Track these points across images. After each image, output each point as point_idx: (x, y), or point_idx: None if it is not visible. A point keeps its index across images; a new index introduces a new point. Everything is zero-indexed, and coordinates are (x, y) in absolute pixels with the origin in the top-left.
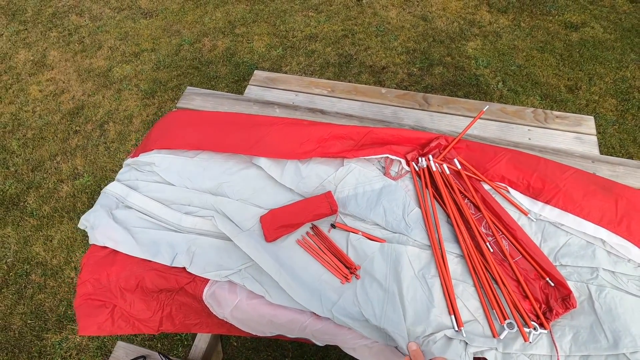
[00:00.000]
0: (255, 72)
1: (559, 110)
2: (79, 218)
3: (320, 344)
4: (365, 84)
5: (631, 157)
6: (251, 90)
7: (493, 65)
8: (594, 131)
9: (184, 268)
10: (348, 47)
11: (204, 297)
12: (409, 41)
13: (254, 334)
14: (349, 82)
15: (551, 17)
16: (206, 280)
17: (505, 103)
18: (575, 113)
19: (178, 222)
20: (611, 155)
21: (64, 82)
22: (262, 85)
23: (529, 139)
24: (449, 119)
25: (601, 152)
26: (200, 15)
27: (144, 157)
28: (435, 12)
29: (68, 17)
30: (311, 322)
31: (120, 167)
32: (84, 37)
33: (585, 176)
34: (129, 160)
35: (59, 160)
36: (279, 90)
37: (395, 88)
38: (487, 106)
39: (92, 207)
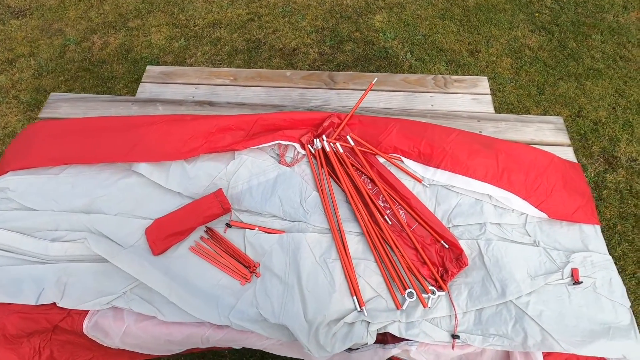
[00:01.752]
0: (148, 67)
1: (462, 74)
2: None
3: (238, 347)
4: (277, 68)
5: (528, 111)
6: (145, 89)
7: (400, 37)
8: (488, 91)
9: (54, 303)
10: (255, 31)
11: (85, 331)
12: (317, 20)
13: (161, 354)
14: (260, 67)
15: None
16: (85, 312)
17: (414, 73)
18: (477, 75)
19: (44, 252)
20: (511, 111)
21: None
22: (157, 81)
23: (432, 105)
24: (357, 95)
25: (502, 109)
26: (84, 10)
27: None
28: None
29: None
30: (211, 332)
31: None
32: None
33: (469, 136)
34: None
35: None
36: (177, 85)
37: (307, 69)
38: (376, 78)
39: None
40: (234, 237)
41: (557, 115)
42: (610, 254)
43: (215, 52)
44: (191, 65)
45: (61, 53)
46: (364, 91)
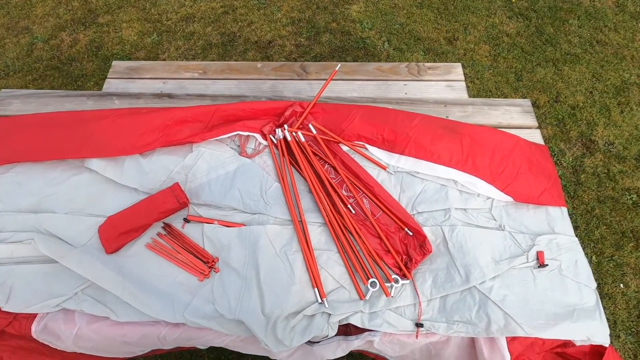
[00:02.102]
0: (114, 63)
1: (440, 62)
2: None
3: (204, 347)
4: (253, 61)
5: (506, 97)
6: (111, 85)
7: (377, 26)
8: (462, 77)
9: None
10: (230, 24)
11: (34, 335)
12: (292, 11)
13: (122, 356)
14: (235, 60)
15: None
16: (33, 316)
17: (392, 62)
18: (455, 62)
19: None
20: (489, 98)
21: None
22: (123, 77)
23: (406, 93)
24: (329, 86)
25: (480, 96)
26: (52, 7)
27: None
28: None
29: None
30: (167, 331)
31: None
32: None
33: (433, 121)
34: None
35: None
36: (144, 80)
37: (284, 61)
38: (340, 65)
39: None
40: (192, 232)
41: (535, 101)
42: (588, 237)
43: (189, 47)
44: (164, 60)
45: (28, 52)
46: (335, 81)
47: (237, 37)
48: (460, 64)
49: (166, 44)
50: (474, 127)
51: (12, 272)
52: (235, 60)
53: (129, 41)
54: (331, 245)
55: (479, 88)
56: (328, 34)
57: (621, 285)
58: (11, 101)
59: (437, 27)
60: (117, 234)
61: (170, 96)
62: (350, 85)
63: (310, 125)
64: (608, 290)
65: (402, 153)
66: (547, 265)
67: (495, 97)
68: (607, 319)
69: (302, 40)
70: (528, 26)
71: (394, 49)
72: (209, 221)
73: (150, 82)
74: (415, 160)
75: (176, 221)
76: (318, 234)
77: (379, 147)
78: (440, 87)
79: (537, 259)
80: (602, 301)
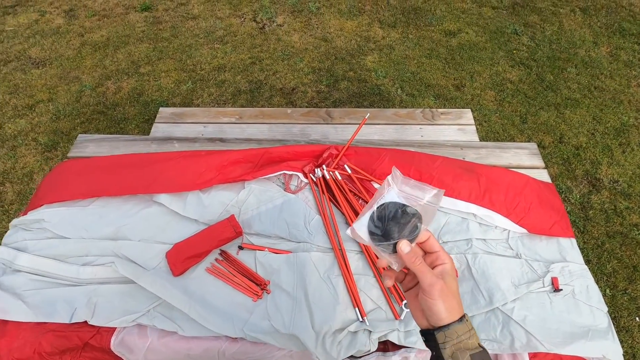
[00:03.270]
0: (161, 109)
1: (450, 107)
2: None
3: None
4: (278, 106)
5: (513, 139)
6: (158, 129)
7: (391, 75)
8: (472, 122)
9: (86, 322)
10: (257, 73)
11: (112, 347)
12: (313, 61)
13: None
14: (262, 106)
15: (433, 28)
16: (112, 330)
17: (405, 107)
18: (463, 107)
19: (76, 275)
20: (497, 139)
21: None
22: (169, 122)
23: (422, 136)
24: (352, 129)
25: (487, 138)
26: (100, 59)
27: (31, 215)
28: (333, 32)
29: None
30: (227, 345)
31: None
32: None
33: (452, 162)
34: (15, 221)
35: None
36: (187, 125)
37: (306, 106)
38: (369, 114)
39: None
40: (245, 258)
41: (540, 142)
42: (601, 271)
43: (220, 93)
44: (198, 105)
45: (77, 98)
46: (358, 125)
47: (264, 84)
48: (469, 109)
49: (200, 90)
50: (488, 167)
51: (96, 291)
52: (262, 105)
53: (166, 88)
54: (368, 270)
55: (487, 130)
56: (346, 82)
57: (637, 318)
58: (87, 144)
59: (445, 75)
60: (182, 258)
61: (222, 140)
62: (371, 129)
63: (345, 166)
64: (624, 323)
65: None
66: (561, 289)
67: (503, 138)
68: (626, 353)
69: (323, 87)
70: (529, 74)
71: (406, 95)
72: (261, 248)
73: (193, 126)
74: None
75: (231, 249)
76: (356, 261)
77: None
78: (453, 131)
79: (552, 284)
80: (618, 335)
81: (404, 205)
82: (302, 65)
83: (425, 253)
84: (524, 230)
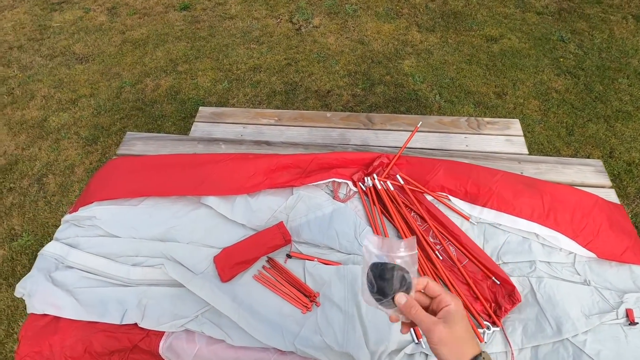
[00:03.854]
0: (200, 108)
1: (491, 116)
2: None
3: None
4: (312, 108)
5: (558, 151)
6: (198, 127)
7: (429, 80)
8: (520, 132)
9: (136, 324)
10: (292, 74)
11: (160, 352)
12: (349, 64)
13: None
14: (297, 108)
15: (473, 33)
16: (161, 333)
17: (443, 113)
18: (505, 116)
19: (126, 275)
20: (541, 151)
21: None
22: (208, 121)
23: (467, 145)
24: (393, 135)
25: (531, 150)
26: (139, 56)
27: (83, 212)
28: (370, 35)
29: None
30: (276, 358)
31: None
32: (13, 88)
33: (513, 177)
34: (67, 217)
35: None
36: (226, 125)
37: (341, 110)
38: (421, 122)
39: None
40: (293, 267)
41: (588, 155)
42: None
43: (255, 94)
44: (234, 105)
45: (117, 94)
46: (399, 131)
47: (299, 86)
48: (517, 120)
49: (235, 90)
50: (553, 184)
51: (147, 292)
52: (297, 107)
53: (203, 87)
54: None
55: (530, 141)
56: (382, 86)
57: None
58: (135, 142)
59: (486, 82)
60: (231, 264)
61: (268, 143)
62: (414, 136)
63: (398, 176)
64: None
65: (484, 205)
66: (637, 323)
67: (548, 151)
68: None
69: (358, 90)
70: (577, 83)
71: (445, 101)
72: (310, 258)
73: (232, 127)
74: (497, 213)
75: (279, 256)
76: None
77: (461, 199)
78: (500, 142)
79: (627, 316)
80: None
81: (383, 263)
82: (338, 68)
83: (432, 298)
84: (592, 255)
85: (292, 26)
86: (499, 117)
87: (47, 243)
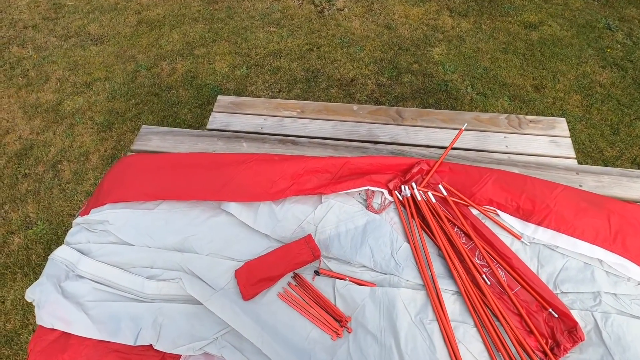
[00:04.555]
0: (219, 97)
1: (527, 110)
2: (35, 272)
3: None
4: (335, 98)
5: (601, 152)
6: (216, 118)
7: (460, 70)
8: (567, 133)
9: (151, 345)
10: (314, 61)
11: None
12: (375, 51)
13: None
14: (318, 97)
15: (510, 18)
16: (178, 356)
17: (475, 107)
18: (543, 112)
19: (140, 289)
20: (582, 151)
21: (7, 121)
22: (226, 111)
23: (506, 146)
24: (425, 132)
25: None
26: (155, 38)
27: (95, 215)
28: (398, 19)
29: (8, 49)
30: None
31: (79, 209)
32: (28, 70)
33: (575, 193)
34: (79, 219)
35: (7, 209)
36: (245, 116)
37: (365, 100)
38: (466, 124)
39: (46, 262)
40: (322, 285)
41: (635, 158)
42: None
43: (275, 81)
44: (252, 92)
45: (133, 78)
46: (431, 128)
47: (321, 73)
48: (564, 119)
49: (254, 77)
50: (622, 203)
51: (162, 310)
52: (319, 96)
53: (220, 72)
54: (466, 318)
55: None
56: (410, 75)
57: None
58: (151, 137)
59: (523, 73)
60: (254, 281)
61: (294, 142)
62: (447, 134)
63: (440, 186)
64: None
65: (539, 224)
66: None
67: (589, 151)
68: None
69: (384, 80)
70: (624, 77)
71: (477, 94)
72: (341, 277)
73: (252, 118)
74: (555, 233)
75: (305, 272)
76: (451, 303)
77: (512, 215)
78: (544, 143)
79: None
80: None
81: None
82: (363, 55)
83: None
84: None
85: (315, 8)
86: (536, 112)
87: (61, 232)
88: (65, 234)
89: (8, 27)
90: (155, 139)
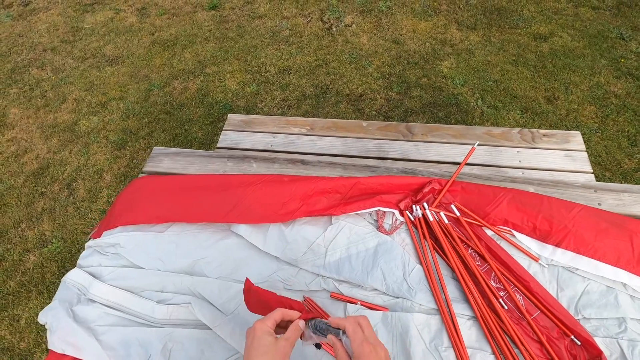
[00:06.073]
0: (229, 115)
1: (540, 122)
2: (49, 290)
3: None
4: (344, 113)
5: (619, 164)
6: (226, 137)
7: (470, 83)
8: (583, 147)
9: None
10: (323, 77)
11: None
12: (383, 66)
13: None
14: (327, 113)
15: (519, 30)
16: None
17: (486, 120)
18: (556, 124)
19: (150, 314)
20: (598, 164)
21: (26, 141)
22: (237, 129)
23: (520, 161)
24: (435, 148)
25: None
26: (168, 58)
27: (107, 238)
28: (406, 34)
29: (28, 71)
30: None
31: (92, 227)
32: (46, 91)
33: (594, 213)
34: (91, 242)
35: (23, 227)
36: (255, 134)
37: (375, 115)
38: (477, 142)
39: (61, 279)
40: (333, 310)
41: None
42: None
43: (284, 97)
44: (262, 109)
45: (146, 97)
46: (441, 144)
47: (330, 89)
48: (579, 132)
49: (264, 93)
50: None
51: (172, 335)
52: (328, 112)
53: (231, 90)
54: (483, 344)
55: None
56: (419, 89)
57: None
58: (162, 158)
59: (534, 85)
60: (259, 304)
61: (303, 162)
62: (458, 149)
63: (452, 206)
64: None
65: (558, 245)
66: None
67: (606, 163)
68: None
69: (393, 94)
70: None
71: (488, 107)
72: (353, 301)
73: (262, 136)
74: (574, 255)
75: (315, 296)
76: (468, 328)
77: (528, 236)
78: (558, 157)
79: None
80: None
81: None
82: (371, 70)
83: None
84: None
85: (323, 25)
86: (550, 124)
87: (75, 250)
88: (79, 251)
89: (28, 51)
90: (166, 160)
